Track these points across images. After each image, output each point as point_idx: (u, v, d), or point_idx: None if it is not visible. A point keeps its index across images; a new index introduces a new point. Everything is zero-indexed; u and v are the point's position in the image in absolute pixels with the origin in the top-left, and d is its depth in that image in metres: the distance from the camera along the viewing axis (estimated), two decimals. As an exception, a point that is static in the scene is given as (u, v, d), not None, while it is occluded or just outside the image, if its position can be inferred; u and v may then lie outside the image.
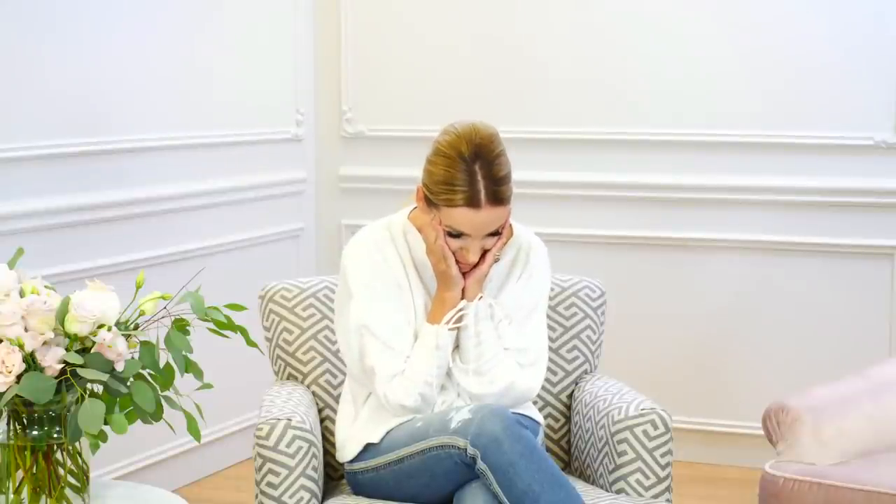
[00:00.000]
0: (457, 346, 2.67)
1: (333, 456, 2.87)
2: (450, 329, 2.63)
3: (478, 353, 2.64)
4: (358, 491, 2.69)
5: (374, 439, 2.65)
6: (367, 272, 2.65)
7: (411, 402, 2.61)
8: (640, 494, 2.66)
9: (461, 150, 2.56)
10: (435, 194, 2.57)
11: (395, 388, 2.61)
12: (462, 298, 2.64)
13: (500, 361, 2.66)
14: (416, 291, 2.68)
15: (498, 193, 2.55)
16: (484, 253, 2.62)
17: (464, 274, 2.63)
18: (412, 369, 2.62)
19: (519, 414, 2.67)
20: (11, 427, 2.23)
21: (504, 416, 2.46)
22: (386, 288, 2.65)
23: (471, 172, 2.54)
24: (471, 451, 2.43)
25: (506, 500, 2.40)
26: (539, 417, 2.78)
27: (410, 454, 2.54)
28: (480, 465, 2.43)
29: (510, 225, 2.71)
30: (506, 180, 2.59)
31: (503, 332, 2.68)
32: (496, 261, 2.67)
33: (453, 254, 2.60)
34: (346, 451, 2.70)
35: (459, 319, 2.64)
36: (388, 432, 2.64)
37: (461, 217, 2.54)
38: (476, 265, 2.63)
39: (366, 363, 2.64)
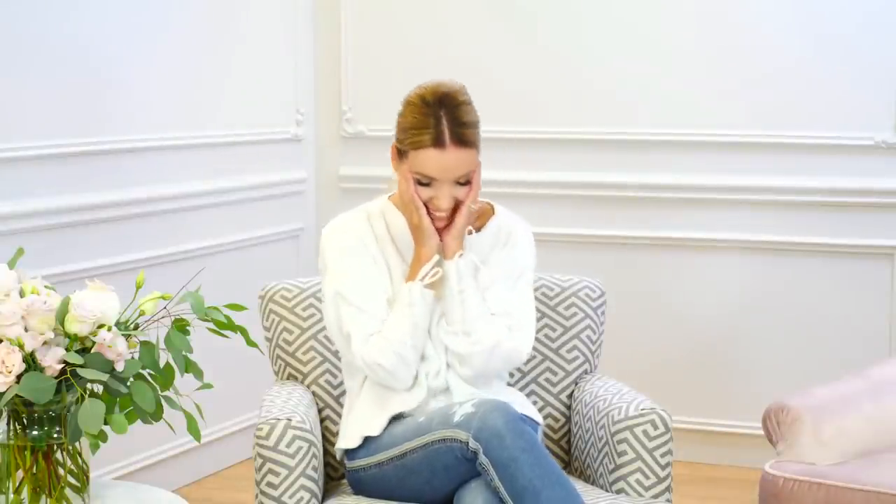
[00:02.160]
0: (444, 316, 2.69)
1: (333, 456, 2.87)
2: (425, 286, 2.65)
3: (462, 312, 2.66)
4: (359, 490, 2.69)
5: (373, 431, 2.65)
6: (340, 247, 2.71)
7: (387, 361, 2.62)
8: (640, 494, 2.66)
9: (426, 97, 2.64)
10: (403, 142, 2.65)
11: (370, 349, 2.64)
12: (444, 258, 2.68)
13: (486, 321, 2.67)
14: (394, 265, 2.71)
15: (462, 135, 2.62)
16: (457, 206, 2.66)
17: (441, 232, 2.67)
18: (388, 329, 2.65)
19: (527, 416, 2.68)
20: (11, 427, 2.23)
21: (507, 411, 2.47)
22: (359, 259, 2.70)
23: (436, 116, 2.61)
24: (473, 444, 2.44)
25: (506, 495, 2.41)
26: (538, 417, 2.78)
27: (413, 448, 2.55)
28: (482, 459, 2.43)
29: (491, 205, 2.79)
30: (471, 125, 2.64)
31: (489, 297, 2.70)
32: (475, 232, 2.71)
33: (426, 206, 2.65)
34: (343, 441, 2.71)
35: (437, 285, 2.66)
36: (388, 425, 2.65)
37: (428, 159, 2.61)
38: (451, 222, 2.66)
39: (343, 330, 2.68)
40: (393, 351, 2.63)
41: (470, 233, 2.72)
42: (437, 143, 2.60)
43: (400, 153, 2.67)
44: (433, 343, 2.69)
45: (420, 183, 2.64)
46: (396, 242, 2.73)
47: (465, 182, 2.64)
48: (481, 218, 2.77)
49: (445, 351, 2.69)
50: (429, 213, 2.66)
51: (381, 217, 2.75)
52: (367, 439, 2.67)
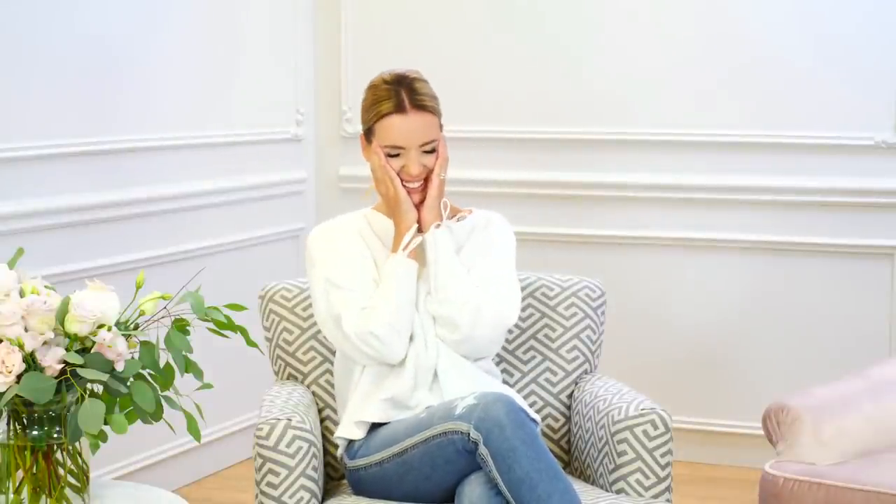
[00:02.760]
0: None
1: (334, 456, 2.88)
2: (408, 256, 2.74)
3: (444, 278, 2.73)
4: (358, 490, 2.69)
5: (368, 417, 2.67)
6: (326, 238, 2.81)
7: (380, 330, 2.67)
8: (640, 494, 2.66)
9: (385, 77, 2.82)
10: (367, 120, 2.79)
11: (362, 320, 2.69)
12: (420, 232, 2.77)
13: (468, 285, 2.73)
14: (380, 258, 2.79)
15: (421, 101, 2.77)
16: (428, 176, 2.77)
17: (417, 207, 2.77)
18: (377, 300, 2.71)
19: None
20: (11, 427, 2.23)
21: (509, 402, 2.49)
22: (345, 247, 2.79)
23: (395, 90, 2.78)
24: (473, 434, 2.45)
25: (503, 486, 2.42)
26: (536, 417, 2.78)
27: (414, 444, 2.56)
28: (482, 450, 2.44)
29: (470, 210, 2.89)
30: (429, 97, 2.80)
31: (471, 274, 2.78)
32: (454, 220, 2.81)
33: (400, 179, 2.76)
34: (342, 430, 2.73)
35: (421, 259, 2.75)
36: (388, 423, 2.66)
37: (392, 126, 2.75)
38: (424, 195, 2.77)
39: (333, 313, 2.72)
40: (384, 321, 2.68)
41: (451, 217, 2.82)
42: (399, 108, 2.75)
43: (367, 137, 2.80)
44: (421, 319, 2.74)
45: (389, 156, 2.76)
46: (381, 238, 2.82)
47: (432, 150, 2.77)
48: (460, 214, 2.89)
49: (434, 323, 2.74)
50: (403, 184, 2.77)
51: (365, 219, 2.86)
52: (367, 436, 2.67)
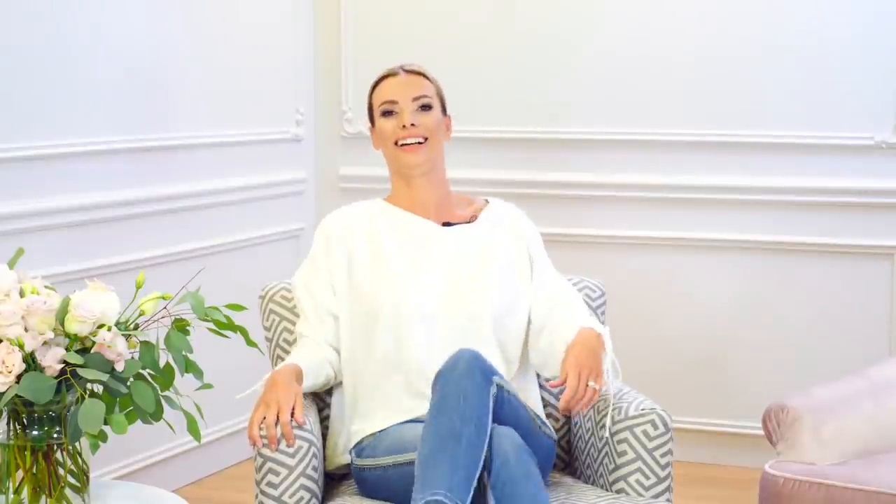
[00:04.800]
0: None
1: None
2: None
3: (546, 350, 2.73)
4: (362, 486, 2.69)
5: (377, 426, 2.70)
6: (326, 236, 2.85)
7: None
8: (640, 494, 2.66)
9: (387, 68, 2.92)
10: (370, 101, 2.88)
11: (296, 344, 2.83)
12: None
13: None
14: (389, 247, 2.80)
15: (415, 67, 2.89)
16: (427, 138, 2.79)
17: (417, 150, 2.79)
18: (298, 353, 2.77)
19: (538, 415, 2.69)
20: (11, 427, 2.23)
21: (512, 438, 2.47)
22: (324, 266, 2.81)
23: (392, 67, 2.91)
24: None
25: None
26: (553, 433, 2.77)
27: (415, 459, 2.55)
28: (484, 480, 2.43)
29: (486, 200, 2.93)
30: (427, 73, 2.89)
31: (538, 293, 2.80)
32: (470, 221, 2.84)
33: (397, 144, 2.80)
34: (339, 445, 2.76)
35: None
36: (396, 425, 2.66)
37: (385, 86, 2.85)
38: (425, 157, 2.81)
39: (297, 307, 2.88)
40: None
41: (472, 219, 2.86)
42: (392, 74, 2.88)
43: (371, 117, 2.87)
44: (427, 326, 2.74)
45: (385, 114, 2.83)
46: (393, 230, 2.83)
47: (426, 107, 2.82)
48: (473, 206, 2.92)
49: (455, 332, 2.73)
50: (401, 147, 2.80)
51: (380, 208, 2.89)
52: (375, 437, 2.67)
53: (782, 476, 2.86)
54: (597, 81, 4.58)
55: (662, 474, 2.67)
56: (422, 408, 2.65)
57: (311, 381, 2.72)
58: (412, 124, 2.79)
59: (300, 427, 2.57)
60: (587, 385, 2.53)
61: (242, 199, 4.51)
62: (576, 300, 2.82)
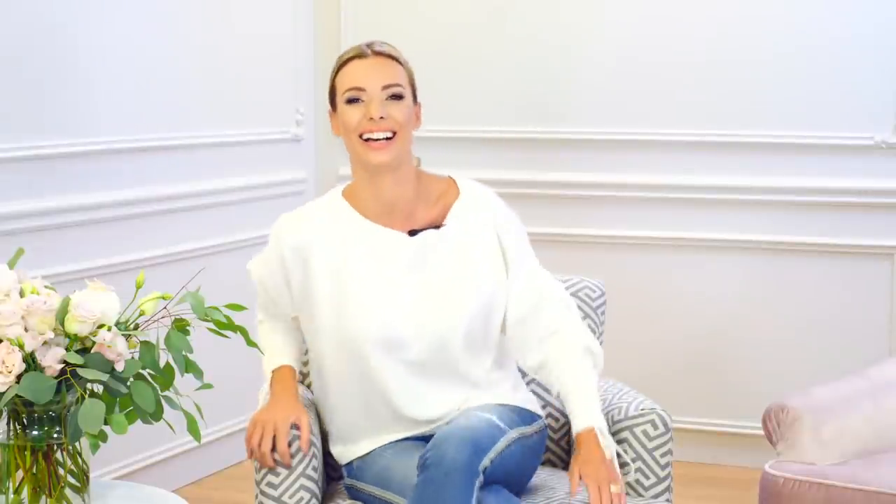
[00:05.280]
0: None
1: (334, 456, 2.87)
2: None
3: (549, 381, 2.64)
4: (354, 497, 2.70)
5: (359, 451, 2.67)
6: (275, 252, 2.69)
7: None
8: (640, 494, 2.66)
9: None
10: (331, 77, 2.61)
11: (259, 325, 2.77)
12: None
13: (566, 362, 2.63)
14: (360, 233, 2.62)
15: (384, 48, 2.60)
16: (396, 133, 2.55)
17: (385, 148, 2.55)
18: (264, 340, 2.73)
19: (520, 407, 2.65)
20: (11, 427, 2.23)
21: (499, 491, 2.44)
22: (279, 269, 2.68)
23: (359, 45, 2.62)
24: None
25: None
26: (539, 410, 2.75)
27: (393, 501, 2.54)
28: None
29: (452, 181, 2.69)
30: (397, 51, 2.62)
31: (512, 296, 2.64)
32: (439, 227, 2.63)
33: (362, 138, 2.55)
34: (336, 451, 2.73)
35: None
36: (371, 452, 2.64)
37: (352, 69, 2.57)
38: (391, 153, 2.55)
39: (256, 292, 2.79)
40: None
41: (439, 226, 2.63)
42: (359, 55, 2.59)
43: (332, 101, 2.62)
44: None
45: (350, 102, 2.56)
46: (362, 214, 2.64)
47: (397, 96, 2.57)
48: (442, 201, 2.67)
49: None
50: (366, 142, 2.55)
51: (341, 202, 2.67)
52: (360, 461, 2.67)
53: (782, 476, 2.86)
54: (597, 81, 4.58)
55: (662, 474, 2.67)
56: (405, 430, 2.62)
57: (297, 366, 2.73)
58: (381, 117, 2.53)
59: (297, 427, 2.57)
60: (610, 493, 2.46)
61: (242, 199, 4.51)
62: (553, 298, 2.66)
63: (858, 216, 4.33)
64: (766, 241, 4.44)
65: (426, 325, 2.59)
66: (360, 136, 2.56)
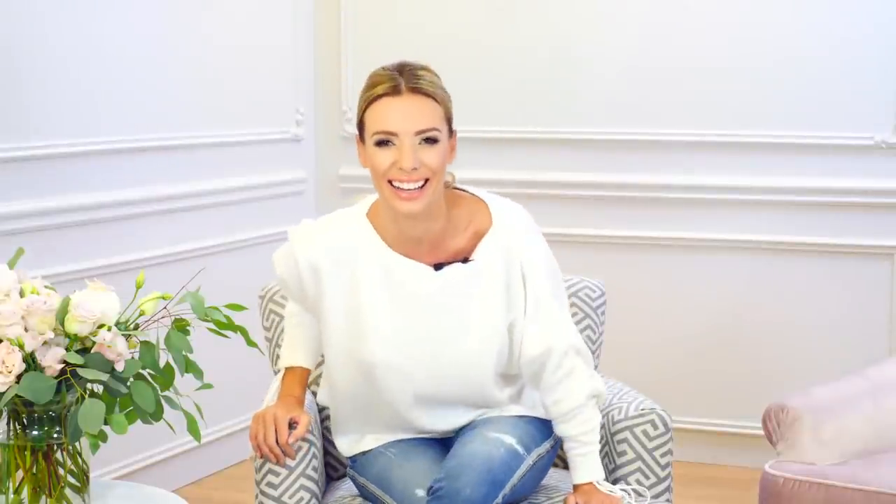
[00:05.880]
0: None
1: (334, 456, 2.87)
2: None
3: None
4: (359, 490, 2.70)
5: (365, 446, 2.66)
6: (292, 270, 2.57)
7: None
8: (640, 494, 2.66)
9: (386, 65, 2.46)
10: (359, 108, 2.42)
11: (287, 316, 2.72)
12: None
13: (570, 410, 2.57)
14: (387, 261, 2.50)
15: (421, 86, 2.38)
16: (429, 179, 2.37)
17: (412, 199, 2.38)
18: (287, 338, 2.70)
19: (537, 419, 2.64)
20: (11, 427, 2.23)
21: None
22: (296, 285, 2.59)
23: (393, 74, 2.41)
24: None
25: None
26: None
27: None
28: None
29: (484, 204, 2.52)
30: (433, 84, 2.40)
31: (526, 342, 2.53)
32: (467, 261, 2.50)
33: (391, 184, 2.37)
34: (340, 444, 2.73)
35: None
36: (373, 449, 2.64)
37: (383, 108, 2.37)
38: (422, 204, 2.37)
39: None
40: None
41: (465, 260, 2.50)
42: (393, 91, 2.37)
43: (360, 133, 2.44)
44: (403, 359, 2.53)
45: (380, 144, 2.38)
46: (375, 255, 2.52)
47: (431, 140, 2.38)
48: (472, 228, 2.52)
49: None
50: (395, 188, 2.38)
51: (362, 232, 2.53)
52: (363, 456, 2.66)
53: (782, 476, 2.86)
54: (597, 82, 4.58)
55: (662, 474, 2.67)
56: (415, 433, 2.62)
57: (314, 361, 2.70)
58: (413, 168, 2.35)
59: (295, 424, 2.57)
60: None
61: (242, 199, 4.51)
62: (563, 345, 2.53)
63: (859, 216, 4.33)
64: (767, 241, 4.44)
65: (440, 357, 2.52)
66: (390, 183, 2.40)
